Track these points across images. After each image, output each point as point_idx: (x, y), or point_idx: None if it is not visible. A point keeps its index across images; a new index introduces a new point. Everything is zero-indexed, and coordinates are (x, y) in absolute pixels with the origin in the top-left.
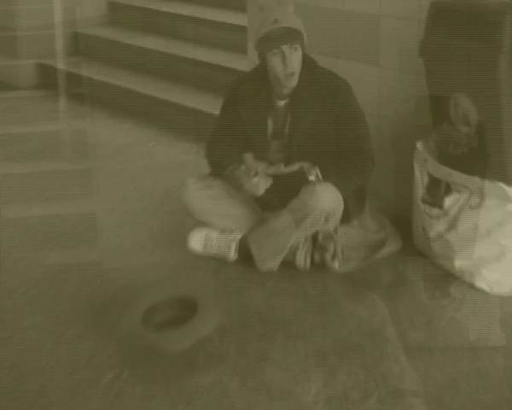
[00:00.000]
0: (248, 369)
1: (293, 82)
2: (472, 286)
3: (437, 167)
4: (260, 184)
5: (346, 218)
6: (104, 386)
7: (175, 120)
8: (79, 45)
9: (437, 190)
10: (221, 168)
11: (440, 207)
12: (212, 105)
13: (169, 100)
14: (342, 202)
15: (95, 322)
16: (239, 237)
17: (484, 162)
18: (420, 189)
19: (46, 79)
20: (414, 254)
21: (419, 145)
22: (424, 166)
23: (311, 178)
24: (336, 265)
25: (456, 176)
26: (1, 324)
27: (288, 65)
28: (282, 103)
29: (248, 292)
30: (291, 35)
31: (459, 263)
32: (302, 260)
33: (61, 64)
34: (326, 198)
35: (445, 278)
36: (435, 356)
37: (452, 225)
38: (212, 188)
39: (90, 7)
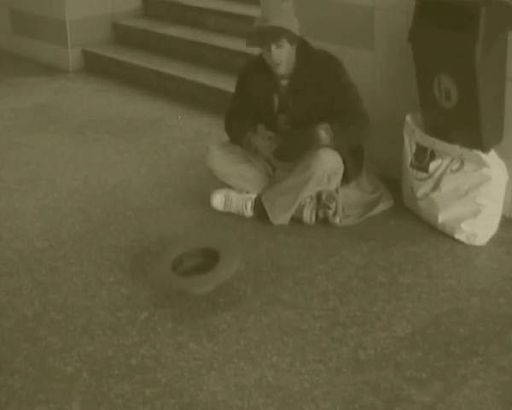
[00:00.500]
0: (262, 309)
1: (281, 70)
2: (452, 238)
3: (423, 137)
4: (271, 147)
5: (345, 179)
6: (140, 323)
7: (199, 98)
8: (118, 34)
9: (423, 157)
10: (238, 137)
11: (426, 170)
12: (230, 85)
13: (194, 80)
14: (342, 165)
15: (132, 269)
16: (254, 196)
17: (463, 133)
18: (409, 155)
19: (90, 63)
20: (403, 211)
21: (408, 118)
22: (412, 136)
23: (321, 132)
24: (337, 220)
25: (439, 144)
26: (52, 271)
27: (274, 58)
28: (284, 82)
29: (262, 243)
30: (274, 35)
31: (442, 219)
32: (308, 216)
33: (102, 50)
34: (328, 161)
35: (430, 232)
36: (421, 298)
37: (436, 186)
38: (231, 153)
39: (127, 1)
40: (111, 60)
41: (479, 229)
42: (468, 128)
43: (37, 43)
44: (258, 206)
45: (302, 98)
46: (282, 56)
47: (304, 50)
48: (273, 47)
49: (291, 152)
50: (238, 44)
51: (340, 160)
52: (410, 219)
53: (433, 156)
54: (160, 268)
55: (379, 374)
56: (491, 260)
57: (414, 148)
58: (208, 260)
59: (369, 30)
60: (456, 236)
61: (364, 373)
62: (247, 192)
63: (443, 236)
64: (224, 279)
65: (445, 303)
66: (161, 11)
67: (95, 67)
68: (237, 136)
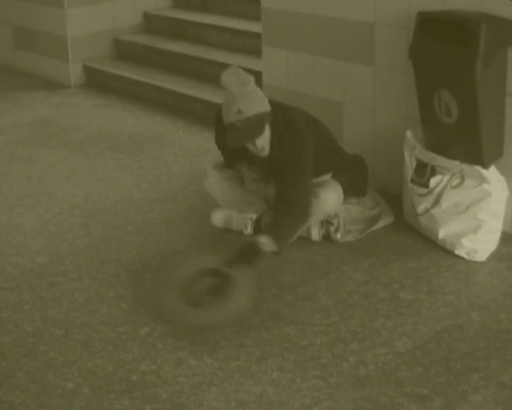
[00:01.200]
0: (263, 324)
1: (265, 153)
2: (453, 254)
3: (424, 153)
4: (260, 189)
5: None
6: (140, 339)
7: (200, 113)
8: (119, 50)
9: (423, 172)
10: (228, 164)
11: (426, 186)
12: None
13: (195, 96)
14: (342, 200)
15: (132, 285)
16: (255, 216)
17: (463, 148)
18: (409, 171)
19: (91, 78)
20: (404, 227)
21: (408, 134)
22: (413, 152)
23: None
24: (338, 236)
25: (439, 160)
26: (53, 286)
27: (259, 148)
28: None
29: (263, 259)
30: (256, 128)
31: (442, 234)
32: (317, 234)
33: (104, 66)
34: (330, 203)
35: (430, 247)
36: (422, 313)
37: (436, 202)
38: (230, 179)
39: (128, 17)
40: (112, 75)
41: (479, 245)
42: (468, 144)
43: (38, 59)
44: (258, 225)
45: (271, 164)
46: (265, 142)
47: (275, 123)
48: (256, 140)
49: (241, 264)
50: (239, 60)
51: (340, 196)
52: (410, 235)
53: (433, 172)
54: (169, 297)
55: (379, 390)
56: (491, 275)
57: (414, 163)
58: (218, 279)
59: (370, 46)
60: (457, 251)
61: (365, 389)
62: (248, 212)
63: (443, 251)
64: (243, 312)
65: (446, 319)
66: (162, 27)
67: (96, 82)
68: (227, 162)
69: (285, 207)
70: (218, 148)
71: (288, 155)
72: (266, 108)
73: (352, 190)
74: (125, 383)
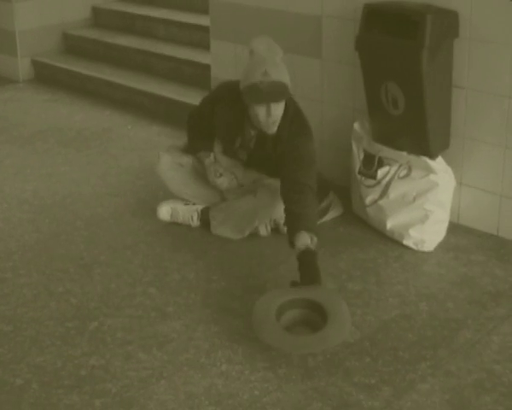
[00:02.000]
0: (212, 317)
1: (274, 129)
2: (401, 244)
3: (371, 144)
4: (224, 183)
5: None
6: (89, 334)
7: (149, 107)
8: (68, 44)
9: (371, 164)
10: (194, 148)
11: (374, 178)
12: (180, 94)
13: (143, 90)
14: None
15: (81, 280)
16: (200, 208)
17: (410, 140)
18: (357, 162)
19: (40, 73)
20: (352, 219)
21: (356, 125)
22: (360, 144)
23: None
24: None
25: (387, 151)
26: (1, 282)
27: (272, 115)
28: (252, 132)
29: (211, 252)
30: (279, 92)
31: (390, 225)
32: (264, 230)
33: (52, 60)
34: (277, 212)
35: (378, 238)
36: (370, 304)
37: (384, 193)
38: (182, 166)
39: (76, 11)
40: (61, 70)
41: (427, 235)
42: (415, 135)
43: None
44: (205, 217)
45: (264, 149)
46: (280, 113)
47: (287, 108)
48: (273, 105)
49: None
50: (187, 53)
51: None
52: (358, 226)
53: (380, 163)
54: (266, 320)
55: (328, 380)
56: (439, 265)
57: (362, 155)
58: (312, 312)
59: (317, 38)
60: (405, 242)
61: (314, 380)
62: (194, 204)
63: (391, 242)
64: (336, 343)
65: (394, 309)
66: (111, 21)
67: (44, 77)
68: (192, 146)
69: (304, 197)
70: (197, 120)
71: (299, 141)
72: (289, 83)
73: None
74: (73, 378)
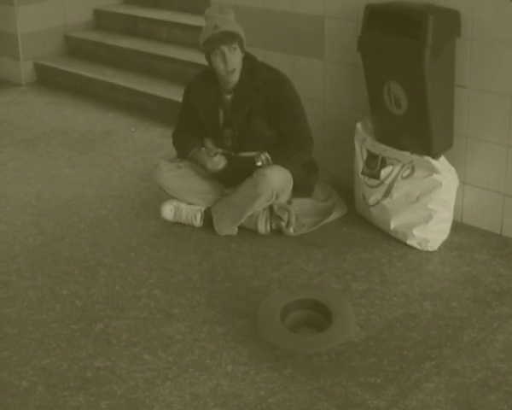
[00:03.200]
0: (216, 318)
1: (235, 77)
2: (405, 244)
3: (374, 144)
4: (220, 162)
5: (298, 193)
6: (95, 335)
7: (152, 109)
8: (70, 47)
9: (374, 164)
10: (184, 153)
11: (377, 177)
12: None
13: (147, 92)
14: (291, 181)
15: (86, 282)
16: (204, 208)
17: (413, 139)
18: (360, 163)
19: (42, 76)
20: (356, 219)
21: (359, 126)
22: (363, 144)
23: (259, 163)
24: (291, 231)
25: (390, 151)
26: (6, 285)
27: (228, 63)
28: (228, 97)
29: (215, 253)
30: (229, 37)
31: (394, 225)
32: (263, 226)
33: (54, 63)
34: (274, 180)
35: (382, 238)
36: (374, 303)
37: (387, 193)
38: (180, 168)
39: (78, 14)
40: (63, 72)
41: (430, 234)
42: (418, 135)
43: None
44: (208, 216)
45: (244, 112)
46: (236, 62)
47: (249, 63)
48: (227, 51)
49: (231, 180)
50: (190, 55)
51: (288, 177)
52: (362, 226)
53: (384, 163)
54: (270, 320)
55: (333, 380)
56: (443, 264)
57: (365, 155)
58: (316, 312)
59: (320, 39)
60: (409, 241)
61: (319, 380)
62: (197, 204)
63: (395, 242)
64: (341, 342)
65: (398, 308)
66: (113, 23)
67: (47, 79)
68: (183, 151)
69: (291, 140)
70: (181, 114)
71: (280, 86)
72: (241, 33)
73: (300, 181)
74: (79, 379)
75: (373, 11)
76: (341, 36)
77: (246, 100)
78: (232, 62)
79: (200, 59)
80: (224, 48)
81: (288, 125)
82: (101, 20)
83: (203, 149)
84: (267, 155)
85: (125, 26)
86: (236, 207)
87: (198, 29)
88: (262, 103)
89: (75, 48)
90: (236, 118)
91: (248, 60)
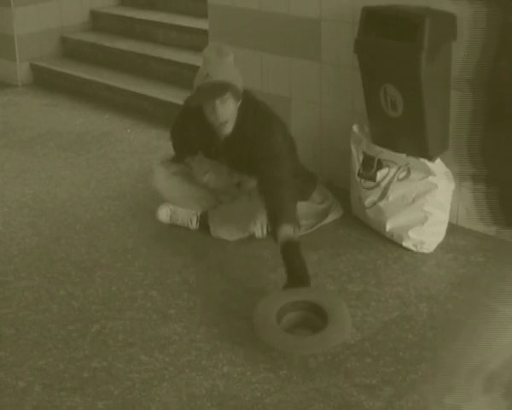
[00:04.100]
0: (213, 319)
1: (228, 129)
2: (400, 246)
3: (370, 146)
4: (210, 180)
5: (303, 198)
6: (91, 336)
7: (148, 111)
8: (66, 48)
9: (370, 166)
10: (180, 157)
11: (373, 179)
12: (179, 97)
13: (143, 93)
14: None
15: (82, 282)
16: (199, 212)
17: (409, 142)
18: (356, 165)
19: (39, 77)
20: (352, 221)
21: (355, 128)
22: (359, 146)
23: (258, 235)
24: None
25: (386, 153)
26: (2, 285)
27: (219, 115)
28: (220, 139)
29: (212, 255)
30: (220, 89)
31: (389, 227)
32: (259, 231)
33: (51, 64)
34: None
35: (378, 240)
36: (370, 305)
37: (383, 195)
38: (176, 175)
39: (75, 15)
40: (60, 74)
41: (426, 236)
42: (414, 137)
43: None
44: (204, 221)
45: (235, 153)
46: (228, 114)
47: (246, 107)
48: (217, 103)
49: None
50: (186, 57)
51: None
52: (358, 228)
53: (380, 165)
54: (267, 322)
55: (329, 381)
56: (438, 266)
57: (361, 157)
58: (312, 314)
59: (316, 41)
60: (404, 243)
61: (315, 381)
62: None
63: (391, 244)
64: (337, 343)
65: (394, 310)
66: (110, 24)
67: (43, 81)
68: (178, 156)
69: (282, 191)
70: (175, 137)
71: (264, 138)
72: (235, 81)
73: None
74: (76, 380)
75: (370, 14)
76: (338, 38)
77: (236, 146)
78: (223, 115)
79: (196, 61)
80: (215, 101)
81: (268, 179)
82: (98, 21)
83: (195, 161)
84: (263, 222)
85: (121, 27)
86: (234, 224)
87: (194, 31)
88: (250, 149)
89: (72, 49)
90: (229, 154)
91: (244, 105)
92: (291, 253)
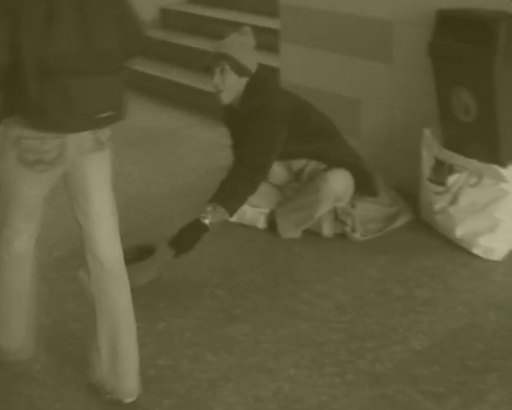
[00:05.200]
0: (279, 321)
1: (224, 100)
2: (469, 252)
3: (442, 151)
4: (272, 175)
5: (370, 191)
6: (157, 334)
7: (216, 109)
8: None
9: (441, 171)
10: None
11: (444, 185)
12: None
13: (211, 91)
14: (352, 186)
15: (151, 281)
16: (267, 211)
17: (481, 147)
18: (426, 169)
19: None
20: (420, 225)
21: (426, 132)
22: (431, 150)
23: (206, 221)
24: (357, 236)
25: (457, 158)
26: (70, 280)
27: (214, 83)
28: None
29: (279, 255)
30: (218, 59)
31: (459, 233)
32: (328, 229)
33: None
34: (336, 186)
35: (447, 245)
36: (438, 311)
37: (454, 201)
38: None
39: (144, 12)
40: (129, 71)
41: (496, 243)
42: (486, 143)
43: None
44: (271, 219)
45: (238, 127)
46: (224, 84)
47: (254, 86)
48: (217, 72)
49: (185, 243)
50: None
51: (349, 181)
52: (426, 233)
53: (451, 170)
54: None
55: (396, 388)
56: (507, 274)
57: (432, 162)
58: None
59: (388, 43)
60: (474, 250)
61: (381, 387)
62: (260, 206)
63: (459, 249)
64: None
65: (462, 317)
66: (179, 22)
67: None
68: None
69: (235, 169)
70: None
71: (255, 119)
72: (239, 57)
73: (360, 181)
74: (142, 377)
75: (444, 17)
76: (410, 41)
77: (238, 121)
78: (218, 83)
79: (263, 59)
80: (215, 69)
81: (245, 151)
82: (167, 18)
83: None
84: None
85: (191, 25)
86: (300, 211)
87: (264, 30)
88: (244, 125)
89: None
90: (235, 126)
91: (252, 84)
92: (194, 225)
